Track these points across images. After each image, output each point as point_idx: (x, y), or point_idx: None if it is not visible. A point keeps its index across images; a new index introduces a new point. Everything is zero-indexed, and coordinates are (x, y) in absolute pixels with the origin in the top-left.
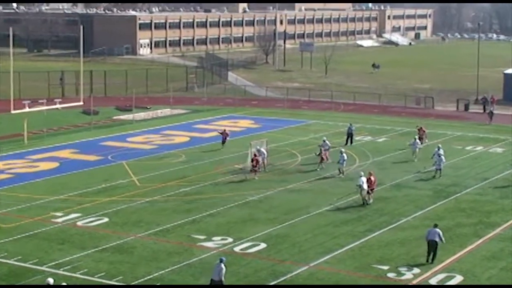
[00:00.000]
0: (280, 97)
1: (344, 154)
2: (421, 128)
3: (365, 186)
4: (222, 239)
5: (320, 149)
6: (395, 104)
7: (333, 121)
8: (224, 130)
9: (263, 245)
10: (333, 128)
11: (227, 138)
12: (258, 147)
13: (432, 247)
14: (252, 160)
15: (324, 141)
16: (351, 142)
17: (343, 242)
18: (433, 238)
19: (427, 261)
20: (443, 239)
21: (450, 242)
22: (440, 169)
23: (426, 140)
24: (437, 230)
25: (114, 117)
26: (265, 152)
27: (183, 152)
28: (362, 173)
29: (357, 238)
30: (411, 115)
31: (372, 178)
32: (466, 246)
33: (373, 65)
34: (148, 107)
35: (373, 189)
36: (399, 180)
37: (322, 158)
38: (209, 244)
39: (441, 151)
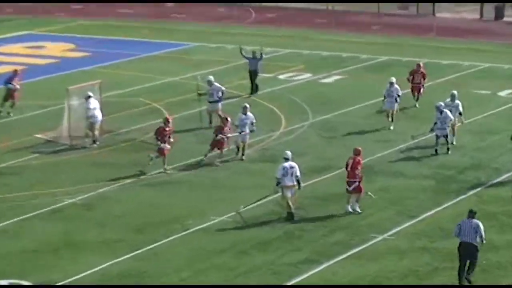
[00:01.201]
0: None
1: (250, 114)
2: (418, 67)
3: (289, 181)
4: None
5: (223, 119)
6: (357, 9)
7: (236, 43)
8: (15, 71)
9: None
10: (235, 58)
11: (17, 89)
12: (90, 93)
13: (469, 255)
14: (156, 132)
15: (210, 83)
16: (256, 89)
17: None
18: (468, 240)
19: (460, 281)
20: (484, 236)
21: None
22: (445, 137)
23: (422, 92)
24: (475, 222)
25: None
26: (92, 108)
27: None
28: (289, 154)
29: (285, 276)
30: (391, 30)
31: (357, 160)
32: (500, 284)
33: None
34: None
35: (353, 182)
36: (368, 159)
37: (219, 144)
38: None
39: (457, 103)
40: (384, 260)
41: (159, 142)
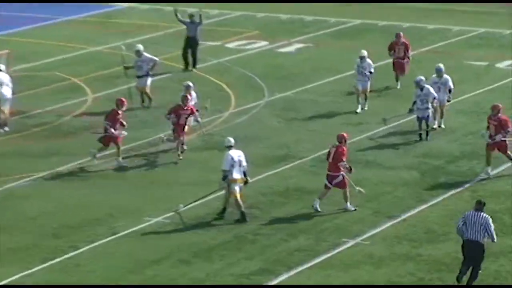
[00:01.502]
0: None
1: (194, 93)
2: (398, 37)
3: (237, 174)
4: None
5: (182, 97)
6: None
7: (174, 4)
8: None
9: None
10: (173, 22)
11: None
12: (1, 66)
13: (474, 254)
14: (108, 117)
15: (139, 53)
16: (194, 63)
17: None
18: (473, 237)
19: (457, 280)
20: (494, 235)
21: None
22: (426, 119)
23: (407, 69)
24: (484, 216)
25: None
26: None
27: None
28: (232, 140)
29: None
30: None
31: (340, 150)
32: (500, 285)
33: None
34: None
35: (335, 176)
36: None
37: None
38: None
39: (445, 79)
40: (357, 269)
41: (112, 130)
